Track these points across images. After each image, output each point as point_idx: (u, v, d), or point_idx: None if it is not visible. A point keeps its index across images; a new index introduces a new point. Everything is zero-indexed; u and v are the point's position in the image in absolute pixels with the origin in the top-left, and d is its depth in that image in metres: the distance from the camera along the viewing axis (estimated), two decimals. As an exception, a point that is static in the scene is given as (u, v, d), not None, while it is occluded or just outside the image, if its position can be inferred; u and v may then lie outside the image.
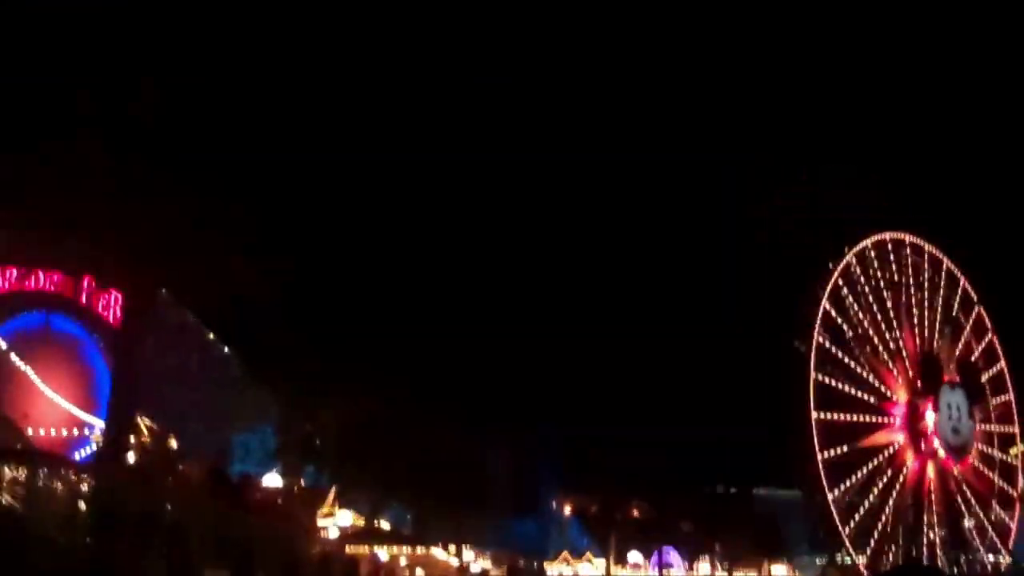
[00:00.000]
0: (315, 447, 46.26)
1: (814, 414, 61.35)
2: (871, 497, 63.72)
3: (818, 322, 63.22)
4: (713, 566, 77.61)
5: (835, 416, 62.60)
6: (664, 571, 74.87)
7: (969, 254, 72.56)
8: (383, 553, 46.74)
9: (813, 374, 62.11)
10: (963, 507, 67.28)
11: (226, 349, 51.83)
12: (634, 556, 79.54)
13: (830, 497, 61.37)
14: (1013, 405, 72.87)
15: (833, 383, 63.42)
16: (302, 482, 53.29)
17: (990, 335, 72.16)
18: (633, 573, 77.03)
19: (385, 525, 55.50)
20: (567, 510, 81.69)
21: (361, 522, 52.35)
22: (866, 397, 64.66)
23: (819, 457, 61.02)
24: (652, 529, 76.66)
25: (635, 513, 78.09)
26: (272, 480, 34.75)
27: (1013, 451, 72.15)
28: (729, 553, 77.44)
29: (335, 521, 43.28)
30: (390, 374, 47.73)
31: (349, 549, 44.00)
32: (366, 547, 44.28)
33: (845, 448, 62.38)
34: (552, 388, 75.83)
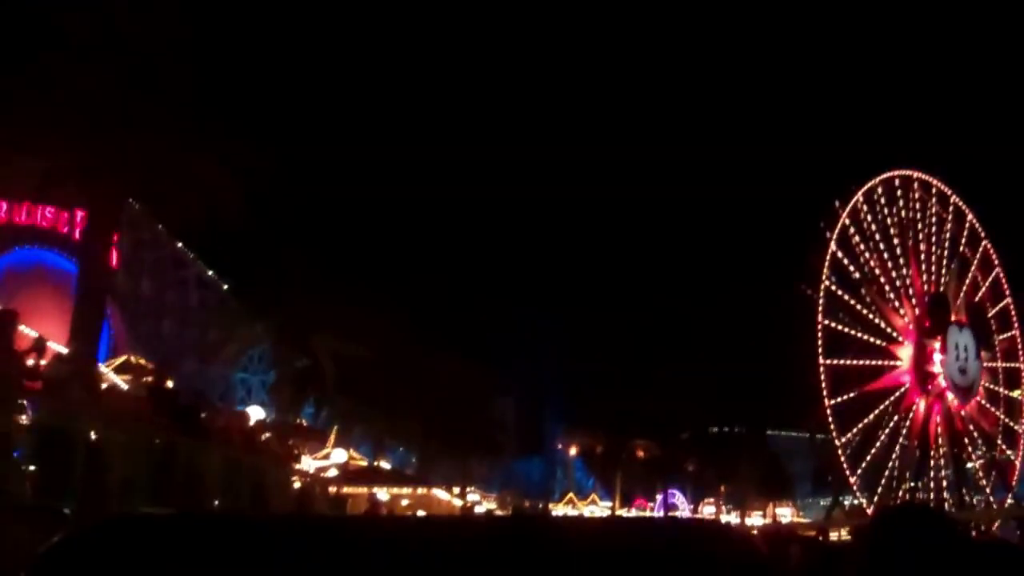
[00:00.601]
0: (312, 382, 44.57)
1: (822, 361, 59.97)
2: (879, 440, 62.52)
3: (826, 266, 61.52)
4: (718, 508, 76.78)
5: (843, 361, 61.30)
6: (669, 512, 74.13)
7: (976, 188, 70.92)
8: (383, 493, 45.55)
9: (821, 320, 60.58)
10: (969, 448, 66.01)
11: (225, 287, 50.28)
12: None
13: (839, 443, 60.16)
14: (1018, 340, 71.30)
15: (841, 328, 61.97)
16: (304, 422, 52.23)
17: (997, 270, 70.39)
18: (638, 514, 76.24)
19: (386, 465, 54.43)
20: (572, 451, 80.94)
21: (363, 462, 51.32)
22: (874, 340, 63.16)
23: (828, 404, 59.75)
24: (658, 470, 75.80)
25: (640, 453, 77.26)
26: (255, 413, 33.03)
27: (1016, 393, 70.63)
28: (734, 494, 76.63)
29: (332, 460, 41.82)
30: (389, 307, 46.21)
31: (347, 489, 42.80)
32: (364, 488, 43.03)
33: (853, 394, 61.11)
34: (560, 327, 74.80)
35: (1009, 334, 70.52)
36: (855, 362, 61.91)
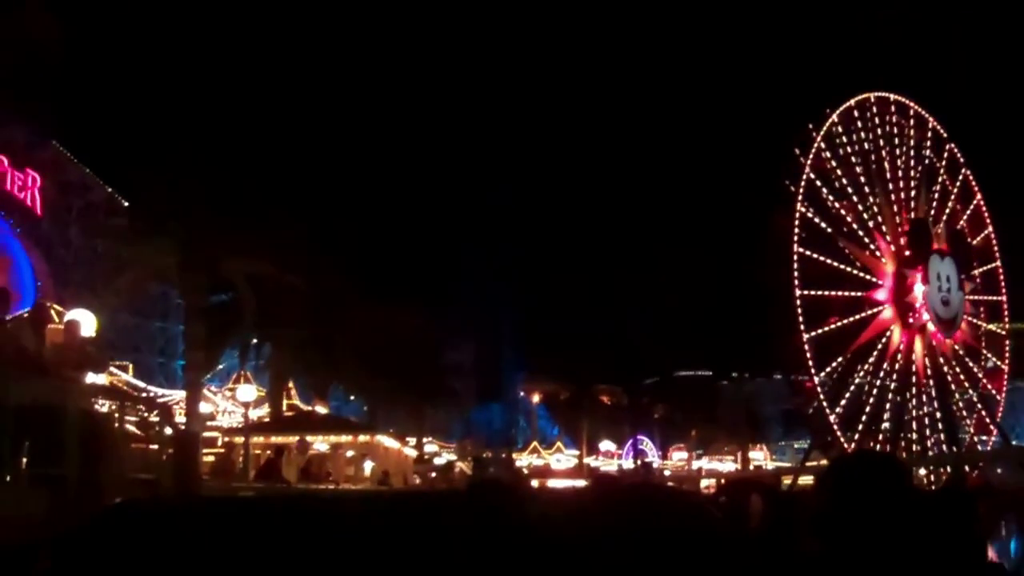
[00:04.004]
0: (231, 319, 36.16)
1: (798, 292, 52.24)
2: (858, 378, 55.24)
3: (800, 195, 53.55)
4: (689, 453, 70.01)
5: (820, 293, 53.44)
6: (638, 459, 67.11)
7: (954, 115, 63.37)
8: (320, 443, 37.97)
9: (797, 250, 52.74)
10: (952, 384, 59.04)
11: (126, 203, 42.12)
12: (606, 445, 72.06)
13: (817, 381, 52.80)
14: (1000, 272, 64.22)
15: (819, 257, 54.10)
16: (248, 374, 44.41)
17: (977, 199, 63.09)
18: (605, 462, 69.39)
19: (324, 411, 46.67)
20: (535, 398, 73.84)
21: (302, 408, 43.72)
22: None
23: (804, 337, 52.21)
24: (624, 416, 68.95)
25: (605, 400, 70.34)
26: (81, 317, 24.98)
27: (994, 325, 63.69)
28: (705, 439, 69.98)
29: (238, 396, 33.78)
30: (327, 234, 38.08)
31: (276, 439, 35.14)
32: (294, 436, 35.34)
33: (832, 326, 53.57)
34: (520, 268, 67.12)
35: (990, 265, 63.44)
36: (833, 293, 54.16)
